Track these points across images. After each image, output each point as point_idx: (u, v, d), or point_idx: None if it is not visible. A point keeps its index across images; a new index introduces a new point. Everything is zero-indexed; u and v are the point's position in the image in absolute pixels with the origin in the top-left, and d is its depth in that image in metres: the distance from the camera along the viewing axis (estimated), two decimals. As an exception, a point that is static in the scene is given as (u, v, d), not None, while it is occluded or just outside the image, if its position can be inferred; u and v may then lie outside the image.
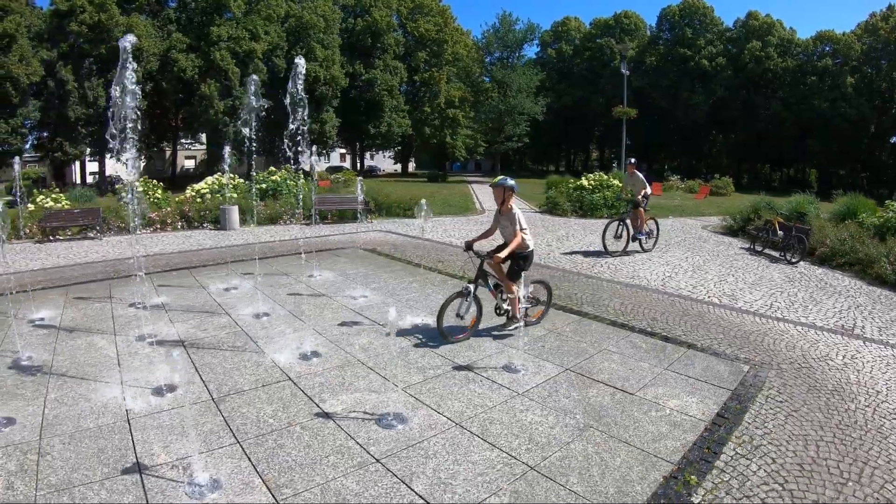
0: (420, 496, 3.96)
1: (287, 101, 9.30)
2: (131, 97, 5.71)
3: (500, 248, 7.64)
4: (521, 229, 7.51)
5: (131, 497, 4.19)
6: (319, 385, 6.01)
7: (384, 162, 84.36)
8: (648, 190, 15.73)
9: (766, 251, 15.27)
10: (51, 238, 18.92)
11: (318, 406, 5.54)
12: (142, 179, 24.42)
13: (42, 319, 9.06)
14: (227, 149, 17.04)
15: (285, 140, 9.02)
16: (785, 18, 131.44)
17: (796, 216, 16.89)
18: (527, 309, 7.83)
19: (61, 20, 50.01)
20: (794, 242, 14.08)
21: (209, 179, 24.52)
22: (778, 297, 10.24)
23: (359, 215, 22.07)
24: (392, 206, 23.77)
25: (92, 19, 49.57)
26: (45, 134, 54.98)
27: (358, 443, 4.74)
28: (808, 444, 4.83)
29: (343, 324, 8.19)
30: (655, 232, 16.05)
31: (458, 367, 6.43)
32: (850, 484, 4.26)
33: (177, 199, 23.00)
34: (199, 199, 22.24)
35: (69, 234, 19.41)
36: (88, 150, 56.28)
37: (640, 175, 15.66)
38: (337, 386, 5.95)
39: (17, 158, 13.01)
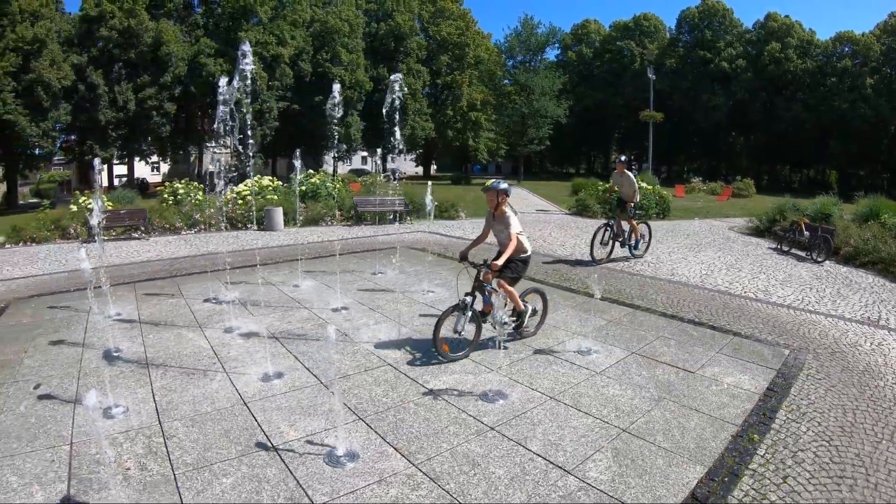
0: (538, 454, 4.75)
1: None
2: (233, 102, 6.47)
3: (499, 255, 7.27)
4: (518, 232, 7.29)
5: (274, 470, 4.65)
6: (419, 369, 6.75)
7: (405, 164, 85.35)
8: (638, 197, 15.11)
9: (793, 251, 15.90)
10: (95, 239, 19.67)
11: (423, 386, 6.26)
12: (182, 182, 25.28)
13: (119, 314, 9.56)
14: (626, 158, 17.88)
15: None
16: (804, 19, 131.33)
17: (822, 217, 17.51)
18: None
19: (90, 25, 50.90)
20: (819, 242, 14.82)
21: (248, 182, 25.34)
22: (808, 292, 11.04)
23: (400, 217, 22.90)
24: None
25: (122, 24, 50.54)
26: (73, 137, 55.83)
27: (470, 415, 5.49)
28: (846, 412, 5.68)
29: (423, 315, 8.88)
30: (648, 237, 15.52)
31: (539, 351, 7.27)
32: (884, 442, 5.11)
33: (217, 200, 23.64)
34: (240, 201, 22.90)
35: (114, 234, 20.03)
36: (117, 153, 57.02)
37: (631, 175, 14.73)
38: (435, 369, 6.70)
39: (96, 160, 13.60)
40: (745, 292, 10.91)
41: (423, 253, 15.15)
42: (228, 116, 11.28)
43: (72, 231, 20.03)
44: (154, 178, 68.91)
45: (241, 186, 24.51)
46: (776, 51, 71.35)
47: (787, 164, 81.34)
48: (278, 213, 21.43)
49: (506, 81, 74.56)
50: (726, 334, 8.09)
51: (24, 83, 46.32)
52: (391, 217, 23.18)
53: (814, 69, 70.83)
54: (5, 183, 59.40)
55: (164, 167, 75.08)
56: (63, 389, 6.35)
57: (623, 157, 15.51)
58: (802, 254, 15.42)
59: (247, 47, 9.28)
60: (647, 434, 5.11)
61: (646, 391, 6.01)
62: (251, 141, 54.31)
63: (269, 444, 5.07)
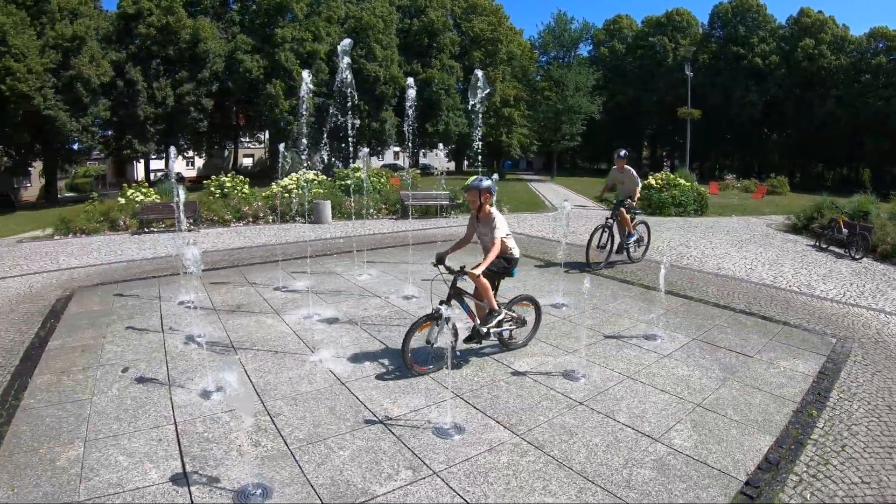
0: (626, 425, 5.32)
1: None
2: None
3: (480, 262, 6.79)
4: (504, 235, 6.75)
5: (388, 443, 5.06)
6: (502, 352, 7.24)
7: (435, 160, 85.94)
8: (639, 193, 13.84)
9: (831, 248, 16.23)
10: (146, 230, 20.34)
11: (509, 367, 6.77)
12: (229, 175, 26.04)
13: (191, 302, 9.86)
14: (625, 153, 17.97)
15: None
16: (837, 15, 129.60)
17: (860, 215, 17.79)
18: (511, 330, 7.30)
19: (128, 23, 52.40)
20: (857, 240, 15.20)
21: (293, 175, 26.02)
22: (848, 287, 11.49)
23: (444, 211, 23.52)
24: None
25: (160, 22, 51.95)
26: (110, 132, 56.91)
27: (558, 392, 6.06)
28: (893, 393, 6.22)
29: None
30: (646, 239, 14.30)
31: (609, 337, 7.80)
32: (929, 420, 5.68)
33: (263, 193, 24.34)
34: (286, 194, 23.63)
35: (163, 226, 20.76)
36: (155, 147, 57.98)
37: (633, 171, 13.53)
38: (517, 352, 7.26)
39: (172, 149, 14.05)
40: (790, 286, 11.39)
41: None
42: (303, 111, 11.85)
43: (121, 223, 20.78)
44: (189, 173, 69.93)
45: (285, 180, 25.17)
46: (810, 47, 71.05)
47: (819, 161, 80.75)
48: (326, 207, 22.06)
49: (537, 77, 74.87)
50: (776, 324, 8.59)
51: (64, 79, 47.77)
52: (435, 211, 23.69)
53: (848, 65, 70.50)
54: (44, 177, 60.66)
55: (199, 162, 76.05)
56: (153, 372, 6.78)
57: (623, 152, 14.01)
58: (840, 251, 15.75)
59: (347, 45, 9.46)
60: (718, 408, 5.68)
61: (711, 372, 6.58)
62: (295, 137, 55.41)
63: (377, 420, 5.52)
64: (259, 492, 4.36)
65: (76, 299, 10.53)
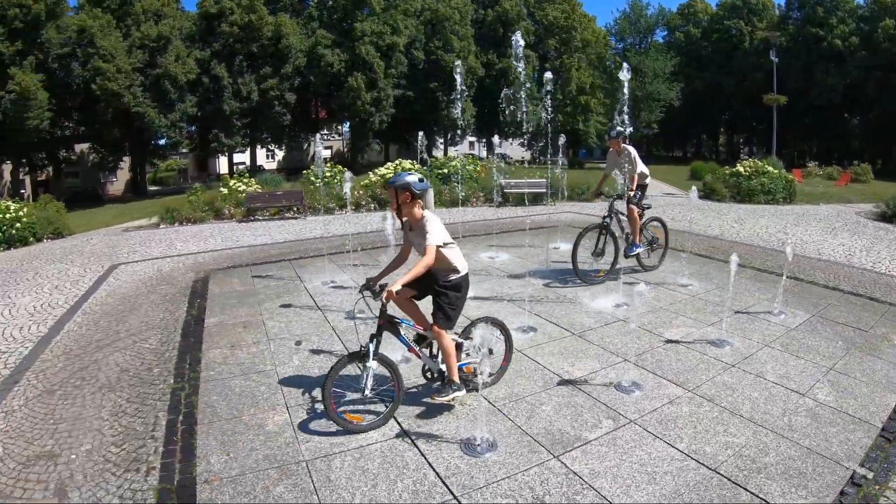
0: (775, 383, 6.17)
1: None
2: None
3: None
4: (440, 243, 5.41)
5: (581, 398, 5.84)
6: (649, 323, 8.05)
7: (510, 149, 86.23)
8: (647, 179, 11.25)
9: (924, 236, 16.30)
10: (251, 218, 21.49)
11: (661, 336, 7.58)
12: (328, 165, 27.28)
13: (333, 282, 10.96)
14: (616, 132, 17.66)
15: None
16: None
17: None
18: (473, 364, 5.87)
19: (210, 22, 54.71)
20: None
21: (390, 165, 27.11)
22: (947, 273, 11.92)
23: (540, 198, 24.20)
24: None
25: (242, 20, 53.75)
26: (193, 128, 59.46)
27: (710, 357, 6.90)
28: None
29: (628, 283, 9.93)
30: (663, 239, 11.83)
31: (739, 312, 8.58)
32: None
33: (362, 182, 25.37)
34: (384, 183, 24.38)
35: (268, 214, 21.87)
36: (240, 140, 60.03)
37: (632, 151, 10.59)
38: (659, 324, 8.11)
39: (317, 136, 14.84)
40: (889, 271, 11.86)
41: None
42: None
43: (226, 212, 22.14)
44: (269, 165, 72.00)
45: (382, 169, 26.18)
46: (890, 28, 68.89)
47: (904, 145, 78.53)
48: (430, 194, 22.24)
49: (608, 63, 74.67)
50: (883, 304, 9.26)
51: (152, 78, 50.37)
52: (532, 198, 24.27)
53: (931, 46, 68.33)
54: (130, 171, 63.40)
55: (279, 155, 78.17)
56: (327, 345, 7.47)
57: (618, 129, 10.76)
58: (934, 238, 15.83)
59: (520, 39, 9.23)
60: (847, 372, 6.50)
61: (835, 343, 7.38)
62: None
63: (564, 380, 6.30)
64: (483, 442, 4.99)
65: (214, 281, 11.50)
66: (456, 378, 5.52)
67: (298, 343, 7.41)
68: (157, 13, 53.08)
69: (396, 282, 5.15)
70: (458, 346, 5.77)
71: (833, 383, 6.21)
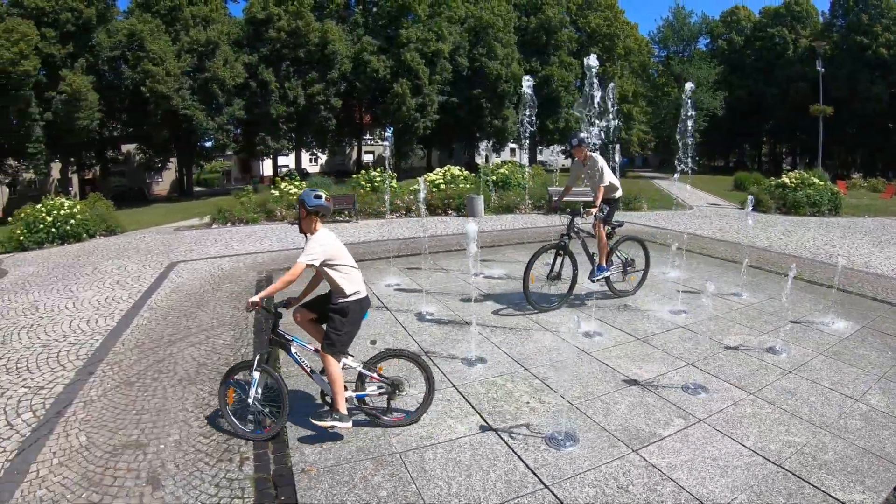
0: (830, 388, 6.50)
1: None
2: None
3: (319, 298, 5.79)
4: (309, 260, 5.41)
5: (651, 398, 6.20)
6: (708, 330, 8.32)
7: (551, 157, 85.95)
8: (617, 193, 10.01)
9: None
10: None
11: (720, 343, 7.93)
12: (377, 170, 27.81)
13: (398, 284, 11.32)
14: (578, 139, 17.88)
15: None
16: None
17: None
18: (387, 397, 5.77)
19: (258, 27, 55.66)
20: None
21: (439, 170, 27.53)
22: None
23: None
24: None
25: (290, 26, 54.67)
26: (238, 130, 60.55)
27: (768, 363, 7.24)
28: None
29: (685, 291, 10.11)
30: (640, 261, 10.66)
31: (793, 322, 8.90)
32: None
33: (411, 188, 25.49)
34: (434, 189, 24.98)
35: None
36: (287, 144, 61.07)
37: (601, 162, 9.54)
38: (717, 331, 8.44)
39: (388, 132, 14.93)
40: None
41: (632, 240, 16.41)
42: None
43: (277, 214, 22.75)
44: (312, 169, 72.92)
45: (432, 175, 26.60)
46: (937, 36, 67.81)
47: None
48: (479, 201, 23.01)
49: (651, 71, 74.44)
50: (935, 316, 9.54)
51: (200, 81, 51.59)
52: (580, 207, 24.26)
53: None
54: (177, 172, 64.88)
55: (322, 158, 79.08)
56: (402, 344, 7.79)
57: (580, 136, 9.63)
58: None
59: (594, 62, 8.95)
60: (899, 379, 6.90)
61: (885, 352, 7.72)
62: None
63: (633, 381, 6.64)
64: (565, 437, 5.33)
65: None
66: (341, 408, 5.33)
67: (373, 342, 7.47)
68: (205, 18, 54.56)
69: (258, 294, 5.41)
70: (361, 377, 5.68)
71: (884, 390, 6.56)
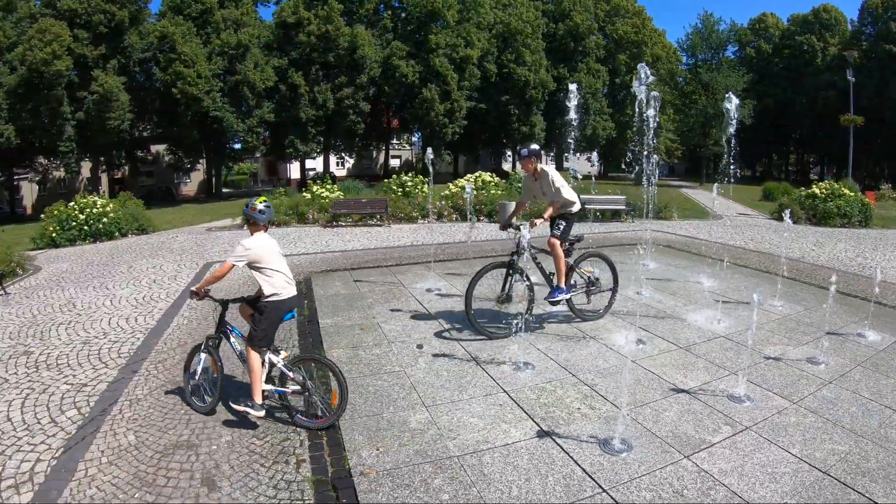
0: (870, 399, 6.64)
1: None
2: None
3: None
4: (240, 264, 5.86)
5: (699, 405, 6.35)
6: (748, 341, 8.29)
7: (577, 164, 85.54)
8: (574, 203, 8.89)
9: None
10: (334, 224, 22.18)
11: (761, 352, 8.03)
12: (409, 175, 28.05)
13: (439, 290, 11.47)
14: (528, 150, 18.77)
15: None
16: None
17: None
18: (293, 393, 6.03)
19: (288, 31, 56.52)
20: None
21: (469, 176, 27.77)
22: None
23: (619, 215, 24.67)
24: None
25: (320, 30, 55.36)
26: (267, 133, 61.16)
27: (809, 373, 7.40)
28: None
29: (722, 301, 10.47)
30: (611, 282, 9.74)
31: (830, 333, 8.99)
32: None
33: (442, 193, 25.92)
34: (465, 194, 24.89)
35: (350, 220, 22.51)
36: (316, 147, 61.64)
37: (552, 174, 8.79)
38: (757, 342, 8.46)
39: (430, 150, 15.09)
40: None
41: (670, 249, 16.95)
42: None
43: (309, 217, 23.05)
44: (339, 172, 73.45)
45: (462, 181, 26.81)
46: (968, 45, 66.84)
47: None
48: (510, 207, 22.70)
49: (679, 79, 74.22)
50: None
51: (230, 84, 52.43)
52: (610, 215, 24.65)
53: None
54: (205, 173, 65.82)
55: (349, 162, 79.60)
56: (449, 349, 8.00)
57: (531, 147, 8.96)
58: None
59: (644, 70, 8.72)
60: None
61: None
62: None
63: (679, 389, 6.79)
64: (620, 443, 5.48)
65: (316, 283, 12.13)
66: (255, 397, 5.77)
67: (420, 346, 7.80)
68: (236, 22, 55.34)
69: (196, 285, 6.24)
70: (283, 375, 5.97)
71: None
